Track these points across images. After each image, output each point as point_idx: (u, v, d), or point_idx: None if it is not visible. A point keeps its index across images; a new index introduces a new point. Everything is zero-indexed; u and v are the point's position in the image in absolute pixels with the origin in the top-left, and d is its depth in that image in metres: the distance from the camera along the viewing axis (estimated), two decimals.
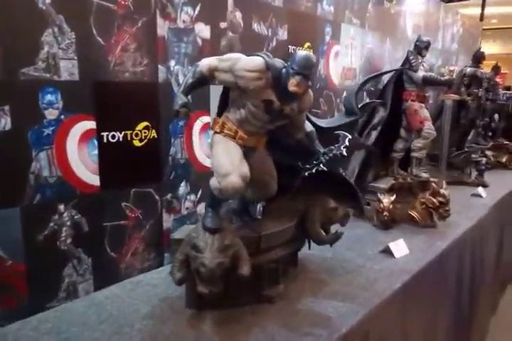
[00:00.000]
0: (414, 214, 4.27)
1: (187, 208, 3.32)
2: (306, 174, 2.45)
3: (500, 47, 19.91)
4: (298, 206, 2.99)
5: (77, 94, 2.53)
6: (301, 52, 2.16)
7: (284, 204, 3.01)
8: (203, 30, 3.12)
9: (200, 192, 3.35)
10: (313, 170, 2.43)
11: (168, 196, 3.16)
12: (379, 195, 4.16)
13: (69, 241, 2.64)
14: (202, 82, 2.21)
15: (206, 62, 2.21)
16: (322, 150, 2.45)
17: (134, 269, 3.00)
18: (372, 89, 5.27)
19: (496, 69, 6.90)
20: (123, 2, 2.64)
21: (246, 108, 2.26)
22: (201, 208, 3.39)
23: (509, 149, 7.18)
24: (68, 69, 2.46)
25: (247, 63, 2.15)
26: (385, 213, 4.09)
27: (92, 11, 2.51)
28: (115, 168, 2.80)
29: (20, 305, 2.48)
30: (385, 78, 4.53)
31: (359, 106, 2.94)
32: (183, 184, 3.22)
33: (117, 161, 2.80)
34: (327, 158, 2.42)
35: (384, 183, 4.29)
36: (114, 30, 2.62)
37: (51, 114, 2.44)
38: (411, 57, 4.15)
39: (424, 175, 4.32)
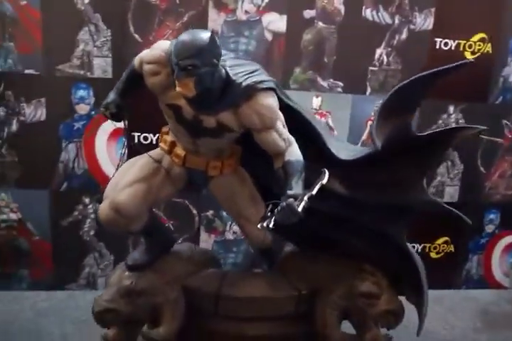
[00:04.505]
0: None
1: (234, 232, 2.82)
2: (259, 226, 1.57)
3: None
4: (316, 273, 2.04)
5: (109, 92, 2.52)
6: (182, 35, 1.44)
7: (299, 263, 2.14)
8: (275, 22, 2.51)
9: None
10: (259, 226, 1.55)
11: (209, 213, 2.78)
12: None
13: (92, 233, 2.72)
14: (135, 78, 1.74)
15: (141, 54, 1.72)
16: (290, 192, 1.52)
17: None
18: None
19: None
20: None
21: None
22: None
23: None
24: (101, 67, 2.49)
25: (147, 52, 1.61)
26: None
27: (131, 7, 2.43)
28: None
29: (45, 279, 2.76)
30: None
31: (430, 132, 1.73)
32: None
33: None
34: (277, 211, 1.49)
35: None
36: (153, 26, 2.47)
37: (82, 109, 2.54)
38: None
39: None
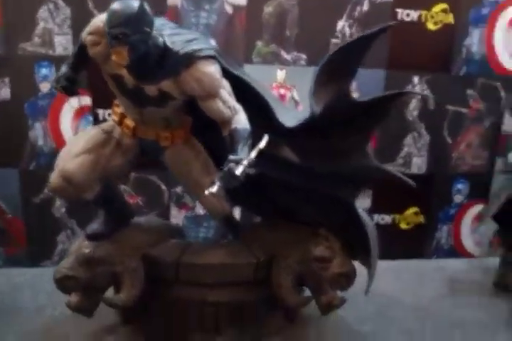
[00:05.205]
0: None
1: None
2: (207, 193, 1.60)
3: None
4: (274, 240, 2.11)
5: None
6: (112, 4, 1.47)
7: (260, 231, 2.21)
8: None
9: None
10: (206, 192, 1.58)
11: (179, 189, 2.81)
12: None
13: (63, 210, 2.77)
14: (84, 51, 1.74)
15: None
16: (233, 157, 1.58)
17: None
18: None
19: None
20: None
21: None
22: None
23: None
24: (63, 45, 2.50)
25: (91, 23, 1.65)
26: None
27: None
28: None
29: (20, 255, 2.82)
30: None
31: (369, 98, 1.76)
32: None
33: None
34: (221, 175, 1.56)
35: None
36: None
37: (46, 87, 2.56)
38: None
39: None
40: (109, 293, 2.07)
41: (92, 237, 1.92)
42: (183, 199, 2.84)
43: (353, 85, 2.74)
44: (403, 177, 1.81)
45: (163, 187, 2.80)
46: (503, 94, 2.95)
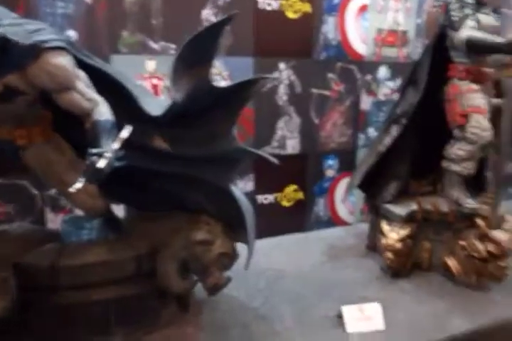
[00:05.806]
0: (450, 262, 2.72)
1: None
2: (72, 190, 1.54)
3: None
4: (155, 231, 2.11)
5: None
6: None
7: (140, 224, 2.20)
8: None
9: None
10: (70, 189, 1.53)
11: (53, 191, 2.64)
12: (385, 224, 2.78)
13: None
14: None
15: None
16: (95, 150, 1.55)
17: None
18: None
19: None
20: None
21: None
22: None
23: None
24: None
25: None
26: (387, 254, 2.71)
27: None
28: None
29: None
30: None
31: (230, 85, 1.87)
32: None
33: None
34: (84, 169, 1.53)
35: (404, 207, 2.82)
36: None
37: None
38: (453, 7, 2.49)
39: (470, 202, 2.65)
40: None
41: None
42: (59, 202, 2.68)
43: (225, 73, 2.84)
44: (266, 156, 1.95)
45: (35, 191, 2.60)
46: (358, 76, 3.30)
